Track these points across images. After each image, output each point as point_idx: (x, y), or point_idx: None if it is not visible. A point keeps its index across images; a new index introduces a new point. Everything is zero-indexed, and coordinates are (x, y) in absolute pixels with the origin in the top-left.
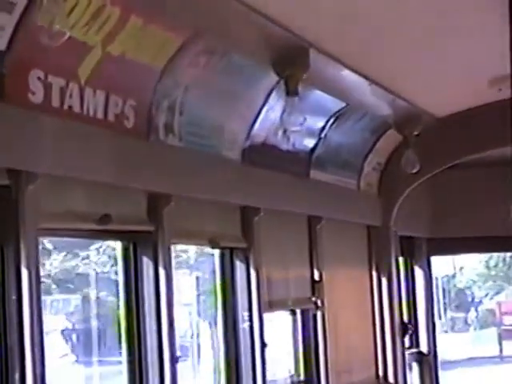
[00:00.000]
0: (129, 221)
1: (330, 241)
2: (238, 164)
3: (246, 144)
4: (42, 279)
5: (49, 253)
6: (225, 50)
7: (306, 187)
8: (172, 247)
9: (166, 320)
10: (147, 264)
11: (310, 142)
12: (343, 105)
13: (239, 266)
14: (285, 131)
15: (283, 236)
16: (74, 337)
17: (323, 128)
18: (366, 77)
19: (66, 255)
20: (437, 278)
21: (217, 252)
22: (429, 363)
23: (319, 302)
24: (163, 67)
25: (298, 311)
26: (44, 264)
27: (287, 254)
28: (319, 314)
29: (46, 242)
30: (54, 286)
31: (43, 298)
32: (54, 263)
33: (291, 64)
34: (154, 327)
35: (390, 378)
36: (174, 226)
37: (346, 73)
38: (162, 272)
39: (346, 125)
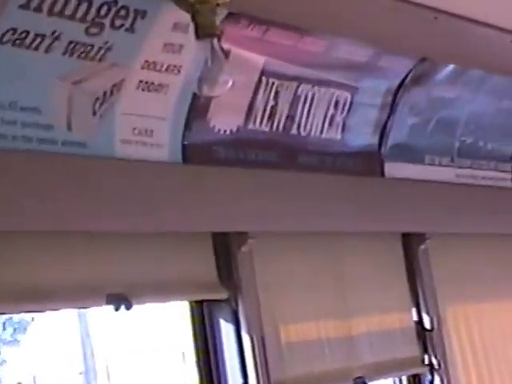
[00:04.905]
0: None
1: (453, 264)
2: (169, 167)
3: (192, 135)
4: None
5: None
6: None
7: (373, 189)
8: None
9: None
10: None
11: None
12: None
13: (225, 328)
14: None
15: (338, 266)
16: None
17: (394, 96)
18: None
19: None
20: None
21: (185, 309)
22: None
23: (436, 362)
24: None
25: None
26: None
27: (348, 293)
28: (438, 379)
29: None
30: None
31: None
32: None
33: None
34: None
35: None
36: None
37: None
38: None
39: (442, 89)
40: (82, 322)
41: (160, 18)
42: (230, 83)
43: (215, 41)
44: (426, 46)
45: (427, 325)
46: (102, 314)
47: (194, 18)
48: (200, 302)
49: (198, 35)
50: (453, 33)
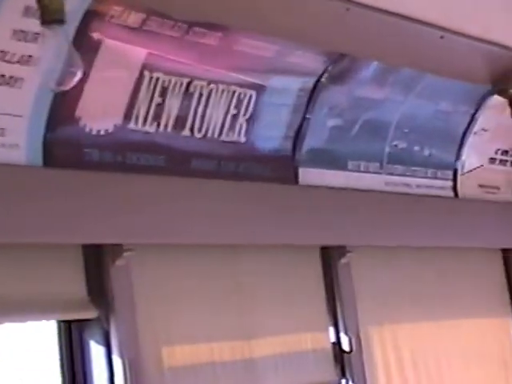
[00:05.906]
0: None
1: (379, 280)
2: (27, 170)
3: (56, 135)
4: None
5: None
6: None
7: (285, 198)
8: None
9: None
10: None
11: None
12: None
13: (95, 351)
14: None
15: (237, 281)
16: None
17: (309, 95)
18: None
19: None
20: None
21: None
22: None
23: None
24: None
25: None
26: None
27: (249, 311)
28: None
29: None
30: None
31: None
32: None
33: None
34: None
35: None
36: None
37: None
38: None
39: (368, 89)
40: None
41: (6, 0)
42: (79, 76)
43: (64, 28)
44: (340, 40)
45: (346, 346)
46: None
47: (39, 1)
48: (69, 322)
49: (43, 21)
50: (369, 27)
